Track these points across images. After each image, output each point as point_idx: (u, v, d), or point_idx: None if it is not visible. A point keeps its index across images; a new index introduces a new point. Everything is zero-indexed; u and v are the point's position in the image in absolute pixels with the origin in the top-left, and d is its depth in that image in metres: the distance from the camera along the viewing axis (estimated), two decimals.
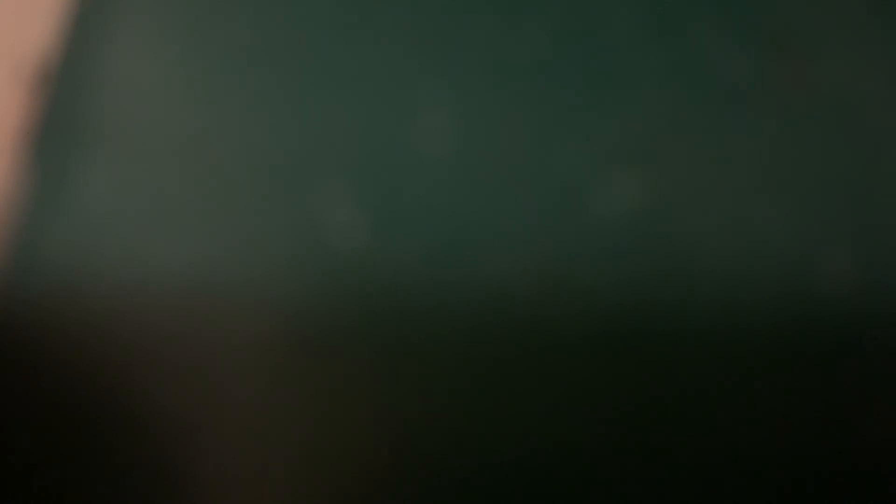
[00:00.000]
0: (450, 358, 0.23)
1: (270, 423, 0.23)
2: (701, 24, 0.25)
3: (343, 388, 0.23)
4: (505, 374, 0.23)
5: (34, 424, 0.22)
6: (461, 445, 0.22)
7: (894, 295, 0.23)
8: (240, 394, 0.23)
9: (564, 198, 0.24)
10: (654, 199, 0.24)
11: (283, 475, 0.22)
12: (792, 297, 0.23)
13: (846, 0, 0.25)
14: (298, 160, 0.24)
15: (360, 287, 0.23)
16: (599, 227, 0.24)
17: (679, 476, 0.22)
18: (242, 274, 0.23)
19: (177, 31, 0.25)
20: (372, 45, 0.25)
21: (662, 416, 0.23)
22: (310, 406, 0.23)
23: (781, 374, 0.23)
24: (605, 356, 0.23)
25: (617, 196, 0.24)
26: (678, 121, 0.24)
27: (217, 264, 0.23)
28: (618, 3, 0.25)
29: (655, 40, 0.25)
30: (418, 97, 0.25)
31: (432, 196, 0.24)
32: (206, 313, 0.23)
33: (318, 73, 0.25)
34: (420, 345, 0.23)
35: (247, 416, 0.23)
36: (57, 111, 0.24)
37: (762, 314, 0.23)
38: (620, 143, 0.24)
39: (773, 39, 0.25)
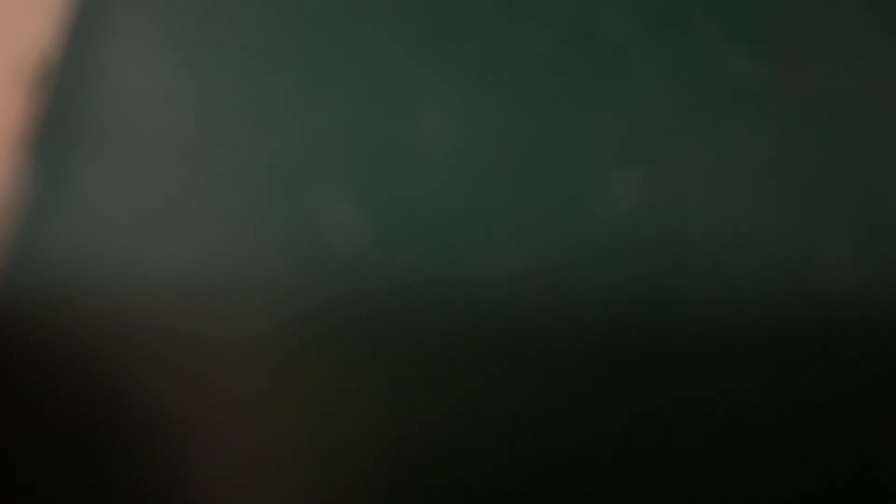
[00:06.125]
0: (450, 358, 0.23)
1: (270, 424, 0.23)
2: (701, 25, 0.25)
3: (343, 388, 0.23)
4: (505, 374, 0.23)
5: (34, 425, 0.22)
6: (462, 445, 0.22)
7: None
8: (240, 394, 0.23)
9: (565, 197, 0.24)
10: (655, 199, 0.24)
11: (283, 475, 0.22)
12: (793, 296, 0.23)
13: (847, 0, 0.25)
14: (298, 160, 0.24)
15: (360, 287, 0.23)
16: (600, 227, 0.24)
17: (680, 476, 0.22)
18: (242, 274, 0.23)
19: (177, 31, 0.25)
20: (372, 45, 0.25)
21: (664, 415, 0.23)
22: (310, 406, 0.23)
23: (783, 373, 0.23)
24: (607, 356, 0.23)
25: (618, 196, 0.24)
26: (679, 121, 0.24)
27: (217, 264, 0.23)
28: (618, 2, 0.25)
29: (656, 40, 0.25)
30: (418, 97, 0.25)
31: (432, 196, 0.24)
32: (206, 313, 0.23)
33: (317, 73, 0.25)
34: (420, 345, 0.23)
35: (247, 416, 0.23)
36: (57, 111, 0.25)
37: (764, 313, 0.23)
38: (621, 143, 0.24)
39: (773, 39, 0.25)
